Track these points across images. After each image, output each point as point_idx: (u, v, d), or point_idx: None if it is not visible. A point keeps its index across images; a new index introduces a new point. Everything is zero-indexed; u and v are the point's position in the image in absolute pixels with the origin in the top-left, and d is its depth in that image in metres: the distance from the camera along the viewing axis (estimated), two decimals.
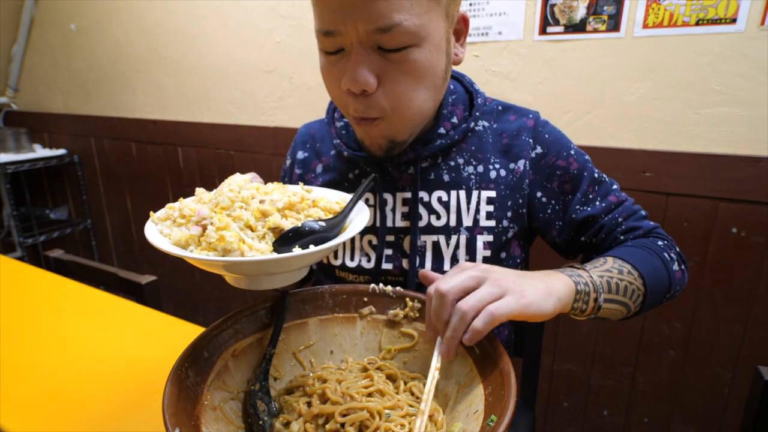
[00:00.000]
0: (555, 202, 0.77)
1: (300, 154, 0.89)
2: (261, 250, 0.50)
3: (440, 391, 0.58)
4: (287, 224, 0.52)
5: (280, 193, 0.57)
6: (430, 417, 0.53)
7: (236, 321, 0.60)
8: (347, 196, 0.62)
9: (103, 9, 2.34)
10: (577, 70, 1.36)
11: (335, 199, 0.62)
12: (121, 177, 2.62)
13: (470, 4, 1.44)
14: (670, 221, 1.33)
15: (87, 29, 2.45)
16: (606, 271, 0.65)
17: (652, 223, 0.77)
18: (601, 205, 0.75)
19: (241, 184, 0.56)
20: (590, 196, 0.76)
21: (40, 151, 2.74)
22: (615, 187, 0.78)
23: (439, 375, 0.56)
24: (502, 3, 1.40)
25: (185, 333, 0.94)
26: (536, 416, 1.36)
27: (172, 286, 2.56)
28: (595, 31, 1.30)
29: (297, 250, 0.49)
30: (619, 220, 0.75)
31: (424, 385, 0.55)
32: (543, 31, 1.37)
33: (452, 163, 0.76)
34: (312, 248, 0.49)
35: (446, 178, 0.76)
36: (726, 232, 1.27)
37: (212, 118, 2.15)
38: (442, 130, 0.75)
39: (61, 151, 2.77)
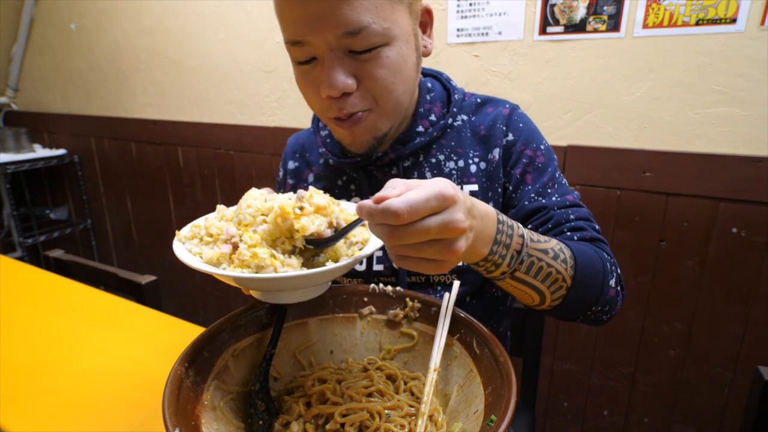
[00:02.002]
0: (513, 188, 0.76)
1: (291, 164, 0.90)
2: (292, 264, 0.51)
3: (440, 391, 0.58)
4: (310, 225, 0.52)
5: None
6: (430, 417, 0.53)
7: (236, 321, 0.60)
8: None
9: (103, 9, 2.34)
10: (577, 70, 1.36)
11: (352, 211, 0.62)
12: (121, 177, 2.62)
13: (470, 4, 1.44)
14: (670, 221, 1.33)
15: (87, 29, 2.45)
16: (542, 251, 0.59)
17: (602, 237, 0.73)
18: (556, 200, 0.74)
19: (258, 199, 0.57)
20: (548, 191, 0.75)
21: (40, 151, 2.74)
22: (576, 194, 0.76)
23: (438, 375, 0.56)
24: (502, 3, 1.40)
25: (185, 333, 0.94)
26: (536, 416, 1.36)
27: (172, 286, 2.56)
28: (595, 31, 1.30)
29: (330, 264, 0.51)
30: (571, 216, 0.72)
31: (424, 385, 0.55)
32: (543, 31, 1.37)
33: (433, 160, 0.77)
34: (344, 261, 0.52)
35: (428, 175, 0.77)
36: (726, 232, 1.27)
37: (212, 118, 2.15)
38: (420, 128, 0.77)
39: (61, 151, 2.77)
